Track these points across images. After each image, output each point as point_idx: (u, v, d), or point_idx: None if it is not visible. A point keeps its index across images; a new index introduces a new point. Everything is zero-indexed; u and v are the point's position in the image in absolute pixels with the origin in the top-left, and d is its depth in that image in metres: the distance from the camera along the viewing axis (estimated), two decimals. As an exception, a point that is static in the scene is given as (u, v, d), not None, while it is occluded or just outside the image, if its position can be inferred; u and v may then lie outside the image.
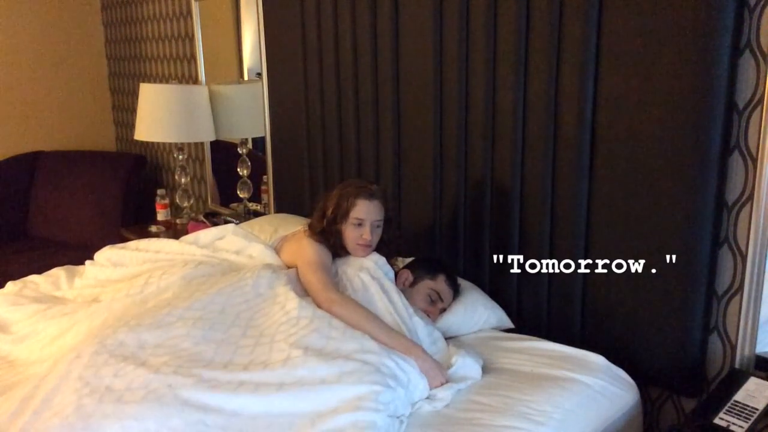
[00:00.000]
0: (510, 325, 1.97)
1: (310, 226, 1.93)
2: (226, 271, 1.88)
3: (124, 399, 1.33)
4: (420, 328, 1.74)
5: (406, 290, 1.88)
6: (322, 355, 1.47)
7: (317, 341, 1.52)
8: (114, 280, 1.98)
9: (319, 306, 1.68)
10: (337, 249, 1.89)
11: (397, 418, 1.43)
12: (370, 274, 1.81)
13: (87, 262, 2.11)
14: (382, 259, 1.88)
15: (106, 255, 2.09)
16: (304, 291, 1.77)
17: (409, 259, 2.05)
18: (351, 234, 1.86)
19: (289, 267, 1.90)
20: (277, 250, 1.98)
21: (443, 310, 1.92)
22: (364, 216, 1.84)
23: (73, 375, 1.38)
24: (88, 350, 1.44)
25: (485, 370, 1.70)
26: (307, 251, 1.84)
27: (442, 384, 1.57)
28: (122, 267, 2.02)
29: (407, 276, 1.93)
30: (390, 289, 1.79)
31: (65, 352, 1.50)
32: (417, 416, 1.50)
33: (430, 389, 1.55)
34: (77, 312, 1.76)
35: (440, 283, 1.91)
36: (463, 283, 2.03)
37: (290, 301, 1.66)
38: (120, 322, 1.55)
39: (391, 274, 1.88)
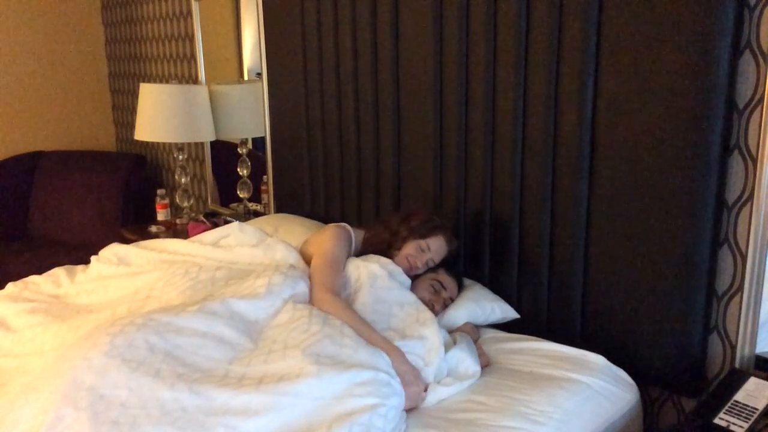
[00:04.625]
0: (515, 315, 1.97)
1: (383, 221, 2.01)
2: (233, 274, 1.84)
3: (138, 422, 1.29)
4: (431, 333, 1.70)
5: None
6: (335, 364, 1.45)
7: (330, 349, 1.50)
8: (116, 276, 1.95)
9: (312, 302, 1.72)
10: (382, 247, 1.94)
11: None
12: (381, 282, 1.82)
13: (93, 257, 2.10)
14: (398, 269, 1.88)
15: (114, 250, 2.08)
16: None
17: None
18: (410, 250, 1.91)
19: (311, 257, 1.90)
20: (302, 248, 1.99)
21: (450, 300, 1.93)
22: (432, 249, 1.92)
23: (84, 383, 1.33)
24: (97, 351, 1.39)
25: (486, 370, 1.70)
26: (327, 241, 1.88)
27: (416, 392, 1.54)
28: (126, 266, 2.01)
29: None
30: (399, 296, 1.80)
31: (70, 348, 1.45)
32: (418, 416, 1.50)
33: (406, 392, 1.51)
34: (77, 318, 1.75)
35: (441, 274, 1.95)
36: (465, 281, 2.04)
37: (301, 308, 1.64)
38: (126, 320, 1.50)
39: (404, 279, 1.88)
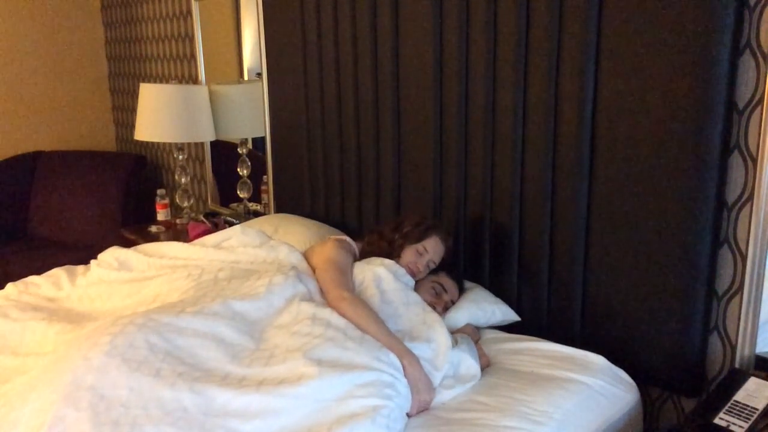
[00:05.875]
0: (516, 318, 1.97)
1: (377, 232, 2.02)
2: (235, 274, 1.83)
3: (139, 422, 1.29)
4: (439, 335, 1.70)
5: None
6: (337, 367, 1.44)
7: (332, 352, 1.48)
8: (119, 282, 1.95)
9: (328, 303, 1.70)
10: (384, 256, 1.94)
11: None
12: (386, 284, 1.82)
13: (92, 261, 2.10)
14: (402, 269, 1.89)
15: (114, 254, 2.08)
16: (318, 293, 1.76)
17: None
18: (409, 256, 1.93)
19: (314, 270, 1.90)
20: (306, 257, 1.99)
21: (451, 303, 1.94)
22: (430, 250, 1.94)
23: (85, 383, 1.32)
24: (98, 351, 1.38)
25: (486, 370, 1.71)
26: (329, 250, 1.89)
27: (425, 401, 1.53)
28: (127, 271, 2.00)
29: None
30: (404, 297, 1.80)
31: (70, 348, 1.44)
32: (418, 416, 1.50)
33: (413, 404, 1.50)
34: (80, 320, 1.73)
35: (442, 277, 1.96)
36: (466, 283, 2.04)
37: (304, 309, 1.63)
38: (126, 319, 1.50)
39: (408, 279, 1.88)
